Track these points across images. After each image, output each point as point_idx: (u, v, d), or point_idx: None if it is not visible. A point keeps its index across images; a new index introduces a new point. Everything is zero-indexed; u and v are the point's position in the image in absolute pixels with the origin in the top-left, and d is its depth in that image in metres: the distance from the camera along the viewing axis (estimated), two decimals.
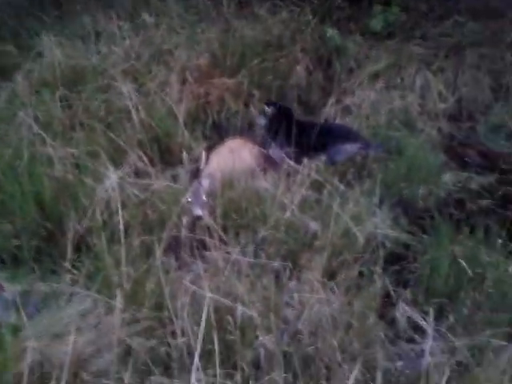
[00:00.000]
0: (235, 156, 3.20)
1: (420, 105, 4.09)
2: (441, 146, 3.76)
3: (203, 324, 1.70)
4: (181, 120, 3.59)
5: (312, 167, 3.02)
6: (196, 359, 1.84)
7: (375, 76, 4.31)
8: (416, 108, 4.03)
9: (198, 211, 2.81)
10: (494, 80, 4.29)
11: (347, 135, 3.49)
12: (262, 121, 3.69)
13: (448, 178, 3.45)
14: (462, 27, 4.61)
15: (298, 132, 3.29)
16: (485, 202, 3.25)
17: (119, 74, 3.97)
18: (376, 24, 4.66)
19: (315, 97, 4.27)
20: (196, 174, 3.21)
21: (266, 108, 3.65)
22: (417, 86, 4.20)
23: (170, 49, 4.34)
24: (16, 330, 2.00)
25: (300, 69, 4.24)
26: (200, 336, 1.93)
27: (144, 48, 4.35)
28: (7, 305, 2.26)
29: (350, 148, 3.37)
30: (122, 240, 2.37)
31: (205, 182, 3.02)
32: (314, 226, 2.59)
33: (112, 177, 2.72)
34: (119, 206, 2.54)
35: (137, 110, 3.52)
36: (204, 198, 2.91)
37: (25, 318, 2.09)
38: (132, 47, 4.33)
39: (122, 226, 2.42)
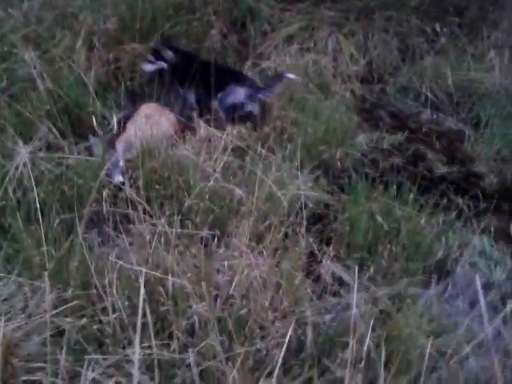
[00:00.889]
0: (152, 122, 3.14)
1: (333, 67, 4.19)
2: (354, 107, 3.89)
3: (141, 298, 1.67)
4: (91, 88, 3.43)
5: (233, 133, 3.01)
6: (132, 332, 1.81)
7: (289, 38, 4.34)
8: (330, 71, 4.13)
9: (119, 177, 2.76)
10: (401, 42, 4.48)
11: (238, 78, 3.63)
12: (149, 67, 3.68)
13: (362, 138, 3.59)
14: None
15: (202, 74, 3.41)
16: (396, 160, 3.44)
17: (19, 40, 3.69)
18: None
19: (231, 60, 4.22)
20: (111, 143, 3.09)
21: (169, 52, 3.63)
22: (329, 48, 4.29)
23: (74, 12, 4.08)
24: None
25: (214, 32, 4.17)
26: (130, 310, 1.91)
27: (45, 11, 4.04)
28: None
29: (241, 91, 3.52)
30: (40, 219, 2.25)
31: (119, 147, 2.94)
32: (239, 192, 2.60)
33: (22, 152, 2.55)
34: (33, 183, 2.39)
35: (42, 78, 3.29)
36: (121, 163, 2.84)
37: None
38: (32, 10, 4.02)
39: (38, 205, 2.29)
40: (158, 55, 3.67)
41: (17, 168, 2.54)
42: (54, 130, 3.01)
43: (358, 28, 4.45)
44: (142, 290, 1.64)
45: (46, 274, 1.82)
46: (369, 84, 4.27)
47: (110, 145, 3.07)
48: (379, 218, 2.57)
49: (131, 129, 3.16)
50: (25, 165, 2.52)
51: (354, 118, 3.76)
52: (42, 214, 2.31)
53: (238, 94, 3.52)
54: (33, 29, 3.77)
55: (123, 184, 2.69)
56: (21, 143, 2.69)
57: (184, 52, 3.74)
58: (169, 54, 3.65)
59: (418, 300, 2.22)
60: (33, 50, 3.51)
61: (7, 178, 2.52)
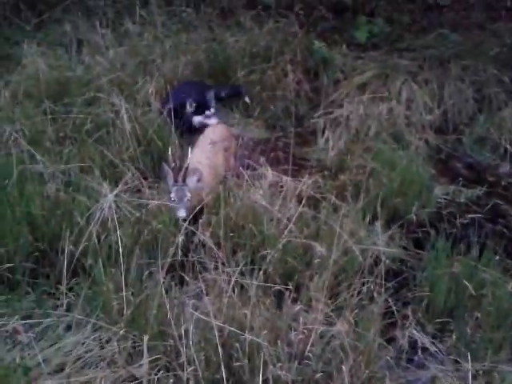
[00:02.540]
0: (216, 150, 3.19)
1: (406, 116, 4.13)
2: (429, 158, 3.80)
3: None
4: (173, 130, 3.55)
5: (308, 183, 3.00)
6: None
7: (362, 87, 4.34)
8: (403, 120, 4.07)
9: (182, 213, 2.72)
10: (477, 91, 4.36)
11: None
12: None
13: (438, 191, 3.49)
14: (444, 39, 4.67)
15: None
16: (474, 216, 3.29)
17: (105, 84, 3.90)
18: (361, 35, 4.70)
19: (303, 108, 4.28)
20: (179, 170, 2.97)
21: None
22: (403, 97, 4.24)
23: (154, 59, 4.28)
24: (28, 370, 1.90)
25: (288, 80, 4.23)
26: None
27: (129, 58, 4.27)
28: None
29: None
30: (122, 263, 2.31)
31: (191, 181, 2.84)
32: (320, 250, 2.52)
33: (109, 196, 2.64)
34: (117, 225, 2.47)
35: (130, 122, 3.43)
36: (188, 197, 2.77)
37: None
38: (116, 57, 4.26)
39: (120, 249, 2.35)
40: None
41: (101, 210, 2.62)
42: (137, 173, 3.10)
43: (432, 77, 4.38)
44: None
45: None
46: (444, 134, 4.17)
47: (177, 175, 2.90)
48: (464, 281, 2.42)
49: (197, 156, 3.11)
50: (110, 207, 2.61)
51: (429, 169, 3.66)
52: (123, 257, 2.37)
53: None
54: (117, 75, 3.97)
55: (185, 220, 2.65)
56: (105, 186, 2.78)
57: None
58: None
59: (507, 378, 2.06)
60: (117, 95, 3.71)
61: (91, 220, 2.60)
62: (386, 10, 4.93)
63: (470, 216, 3.28)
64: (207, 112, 3.78)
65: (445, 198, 3.48)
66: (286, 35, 4.50)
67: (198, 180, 2.88)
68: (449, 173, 3.81)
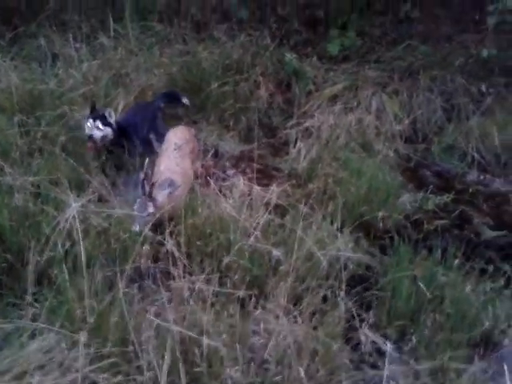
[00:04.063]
0: (182, 154, 3.19)
1: (376, 126, 4.22)
2: (398, 167, 3.88)
3: (168, 358, 1.68)
4: None
5: (277, 191, 3.05)
6: None
7: (333, 98, 4.43)
8: (373, 130, 4.16)
9: (135, 227, 2.73)
10: (445, 101, 4.47)
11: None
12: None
13: (406, 198, 3.55)
14: (414, 51, 4.79)
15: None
16: (441, 222, 3.36)
17: (78, 98, 3.95)
18: (333, 48, 4.81)
19: (276, 119, 4.36)
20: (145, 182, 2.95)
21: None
22: (373, 108, 4.34)
23: (128, 72, 4.33)
24: None
25: (261, 92, 4.31)
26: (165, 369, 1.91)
27: (102, 71, 4.32)
28: None
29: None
30: (85, 272, 2.32)
31: (161, 194, 2.84)
32: (277, 253, 2.59)
33: (73, 205, 2.66)
34: (80, 236, 2.48)
35: None
36: (149, 211, 2.78)
37: None
38: (90, 70, 4.30)
39: (83, 258, 2.37)
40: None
41: (66, 220, 2.64)
42: (106, 183, 3.13)
43: (402, 87, 4.50)
44: (169, 349, 1.63)
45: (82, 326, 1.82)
46: (413, 143, 4.27)
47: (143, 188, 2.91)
48: (421, 285, 2.48)
49: (166, 163, 3.13)
50: (74, 218, 2.62)
51: (397, 177, 3.74)
52: (88, 267, 2.38)
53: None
54: (90, 88, 4.02)
55: (140, 234, 2.64)
56: (73, 196, 2.81)
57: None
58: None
59: (462, 375, 2.11)
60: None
61: (57, 230, 2.62)
62: (357, 23, 5.04)
63: (436, 222, 3.37)
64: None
65: (412, 205, 3.55)
66: (259, 48, 4.59)
67: (170, 192, 2.89)
68: (417, 181, 3.89)
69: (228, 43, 4.67)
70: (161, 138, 3.57)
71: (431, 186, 3.67)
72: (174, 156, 3.17)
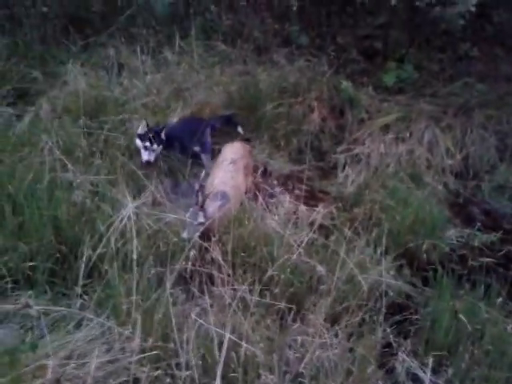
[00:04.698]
0: (236, 168, 3.32)
1: (427, 159, 4.22)
2: (446, 201, 3.86)
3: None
4: None
5: (320, 211, 3.10)
6: None
7: (385, 128, 4.46)
8: (423, 162, 4.16)
9: (185, 234, 2.81)
10: (499, 141, 4.43)
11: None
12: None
13: (452, 233, 3.54)
14: (471, 88, 4.78)
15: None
16: (486, 260, 3.31)
17: (140, 107, 4.15)
18: (389, 79, 4.85)
19: (327, 144, 4.42)
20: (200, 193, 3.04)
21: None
22: (425, 140, 4.33)
23: (189, 87, 4.51)
24: (33, 347, 2.04)
25: (314, 116, 4.39)
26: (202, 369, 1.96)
27: (164, 84, 4.52)
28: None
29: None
30: (135, 269, 2.43)
31: (212, 205, 2.95)
32: (320, 269, 2.64)
33: (129, 206, 2.79)
34: (134, 235, 2.61)
35: None
36: (200, 221, 2.87)
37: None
38: (153, 82, 4.51)
39: (135, 256, 2.48)
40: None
41: (122, 220, 2.78)
42: (160, 188, 3.27)
43: (455, 123, 4.47)
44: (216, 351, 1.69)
45: (137, 320, 1.90)
46: (463, 179, 4.23)
47: (197, 198, 2.99)
48: (463, 318, 2.46)
49: (220, 176, 3.25)
50: (129, 218, 2.76)
51: (445, 211, 3.72)
52: (137, 265, 2.50)
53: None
54: (152, 98, 4.22)
55: (189, 241, 2.72)
56: (129, 198, 2.95)
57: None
58: None
59: None
60: (150, 117, 3.93)
61: (112, 228, 2.76)
62: (416, 57, 5.08)
63: (481, 259, 3.32)
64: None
65: (459, 241, 3.52)
66: (316, 74, 4.69)
67: (222, 204, 2.99)
68: (465, 217, 3.85)
69: (286, 67, 4.79)
70: (206, 151, 3.81)
71: (479, 224, 3.63)
72: (229, 170, 3.30)
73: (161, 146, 3.61)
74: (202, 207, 2.90)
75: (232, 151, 3.51)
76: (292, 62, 4.83)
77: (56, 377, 1.90)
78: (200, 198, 2.90)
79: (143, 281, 2.47)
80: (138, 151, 3.60)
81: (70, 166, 3.17)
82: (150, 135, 3.54)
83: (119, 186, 3.08)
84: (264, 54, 5.09)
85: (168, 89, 4.44)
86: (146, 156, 3.54)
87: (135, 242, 2.53)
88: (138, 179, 3.26)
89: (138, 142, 3.57)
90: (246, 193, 3.40)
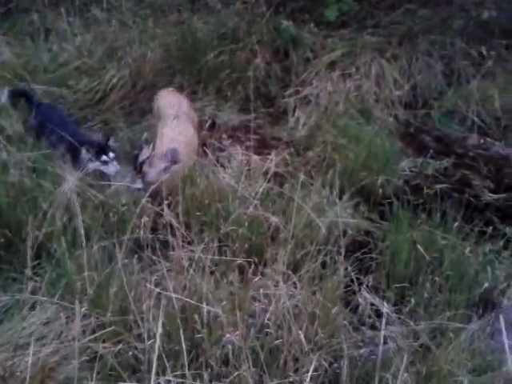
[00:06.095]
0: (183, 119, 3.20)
1: (375, 93, 4.16)
2: (397, 133, 3.84)
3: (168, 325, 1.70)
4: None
5: (273, 159, 3.03)
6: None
7: (331, 65, 4.35)
8: (372, 96, 4.10)
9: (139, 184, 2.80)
10: (445, 66, 4.39)
11: None
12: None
13: (405, 164, 3.54)
14: (412, 15, 4.68)
15: None
16: (441, 187, 3.34)
17: (72, 71, 3.91)
18: (330, 14, 4.68)
19: (274, 88, 4.29)
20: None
21: None
22: (372, 74, 4.26)
23: (122, 45, 4.26)
24: None
25: (258, 61, 4.24)
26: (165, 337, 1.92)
27: (96, 44, 4.26)
28: None
29: None
30: (84, 245, 2.33)
31: (155, 171, 2.85)
32: (274, 220, 2.59)
33: (70, 179, 2.65)
34: (79, 209, 2.49)
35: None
36: (138, 186, 2.84)
37: None
38: (84, 44, 4.24)
39: (82, 231, 2.37)
40: None
41: (64, 194, 2.64)
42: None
43: (401, 52, 4.41)
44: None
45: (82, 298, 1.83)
46: (413, 109, 4.21)
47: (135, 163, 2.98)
48: (421, 248, 2.47)
49: (164, 134, 3.07)
50: (72, 191, 2.62)
51: (397, 143, 3.71)
52: (87, 240, 2.39)
53: None
54: (84, 61, 3.97)
55: (139, 190, 2.72)
56: (69, 170, 2.80)
57: None
58: None
59: (461, 334, 2.12)
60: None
61: (55, 204, 2.62)
62: None
63: (436, 187, 3.35)
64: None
65: (412, 171, 3.53)
66: (254, 16, 4.49)
67: (168, 167, 2.88)
68: (417, 146, 3.85)
69: (223, 12, 4.58)
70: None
71: (431, 151, 3.65)
72: (175, 125, 3.14)
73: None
74: (140, 172, 2.79)
75: (168, 105, 3.31)
76: (228, 6, 4.61)
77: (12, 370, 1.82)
78: (138, 163, 2.79)
79: (94, 255, 2.37)
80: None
81: (2, 144, 2.98)
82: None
83: (57, 160, 2.91)
84: (198, 0, 4.84)
85: (100, 49, 4.19)
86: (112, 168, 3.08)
87: (80, 215, 2.41)
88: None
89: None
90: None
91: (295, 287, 2.30)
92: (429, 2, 4.81)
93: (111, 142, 3.16)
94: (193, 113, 3.47)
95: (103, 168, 3.02)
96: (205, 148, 3.27)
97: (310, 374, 1.89)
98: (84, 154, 3.01)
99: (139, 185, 2.76)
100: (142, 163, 2.81)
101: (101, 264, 2.35)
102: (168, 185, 2.84)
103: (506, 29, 4.43)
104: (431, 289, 2.39)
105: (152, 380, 1.75)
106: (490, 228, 2.74)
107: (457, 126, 4.04)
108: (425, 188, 3.28)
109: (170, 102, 3.33)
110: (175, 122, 3.17)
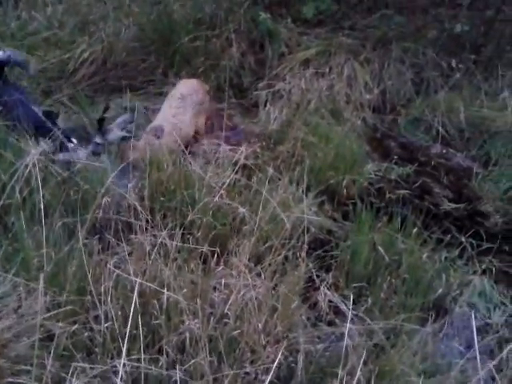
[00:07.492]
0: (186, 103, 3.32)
1: (347, 94, 4.21)
2: (365, 136, 3.91)
3: (131, 308, 1.68)
4: None
5: (246, 152, 3.02)
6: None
7: (305, 62, 4.38)
8: (343, 97, 4.15)
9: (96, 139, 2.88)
10: (415, 74, 4.49)
11: None
12: None
13: (370, 167, 3.60)
14: (388, 20, 4.76)
15: None
16: (403, 192, 3.42)
17: (40, 42, 3.77)
18: (308, 11, 4.69)
19: (247, 80, 4.28)
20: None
21: None
22: (344, 75, 4.31)
23: (95, 19, 4.14)
24: None
25: (233, 50, 4.21)
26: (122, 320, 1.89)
27: (68, 16, 4.12)
28: None
29: None
30: (43, 220, 2.25)
31: (115, 133, 2.94)
32: (242, 210, 2.60)
33: (33, 152, 2.56)
34: (40, 183, 2.40)
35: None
36: (97, 140, 2.90)
37: None
38: (55, 14, 4.10)
39: (42, 205, 2.29)
40: None
41: (26, 167, 2.54)
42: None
43: (374, 57, 4.48)
44: (135, 300, 1.62)
45: (41, 276, 1.78)
46: (381, 113, 4.29)
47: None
48: (381, 249, 2.54)
49: (163, 110, 3.30)
50: (34, 165, 2.53)
51: (364, 146, 3.77)
52: (46, 216, 2.32)
53: None
54: (54, 32, 3.84)
55: (98, 145, 2.83)
56: (32, 144, 2.70)
57: None
58: None
59: (414, 337, 2.19)
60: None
61: (15, 177, 2.52)
62: None
63: (398, 192, 3.43)
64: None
65: (376, 174, 3.60)
66: (233, 4, 4.45)
67: (127, 131, 2.94)
68: (383, 151, 3.93)
69: None
70: None
71: (395, 157, 3.73)
72: (175, 106, 3.29)
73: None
74: (101, 130, 2.89)
75: (185, 88, 3.45)
76: None
77: None
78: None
79: (54, 232, 2.30)
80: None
81: None
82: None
83: (21, 131, 2.80)
84: None
85: (72, 21, 4.07)
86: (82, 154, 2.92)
87: (41, 190, 2.33)
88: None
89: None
90: (197, 133, 3.39)
91: (257, 279, 2.30)
92: (405, 8, 4.90)
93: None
94: (208, 106, 3.57)
95: (73, 155, 2.91)
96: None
97: (265, 366, 1.90)
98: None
99: (98, 140, 2.84)
100: (102, 119, 2.88)
101: (60, 242, 2.28)
102: (141, 154, 2.90)
103: (476, 44, 4.56)
104: (388, 290, 2.45)
105: (107, 362, 1.71)
106: (448, 236, 2.83)
107: (421, 134, 4.14)
108: (387, 192, 3.37)
109: (188, 90, 3.44)
110: (177, 103, 3.30)
